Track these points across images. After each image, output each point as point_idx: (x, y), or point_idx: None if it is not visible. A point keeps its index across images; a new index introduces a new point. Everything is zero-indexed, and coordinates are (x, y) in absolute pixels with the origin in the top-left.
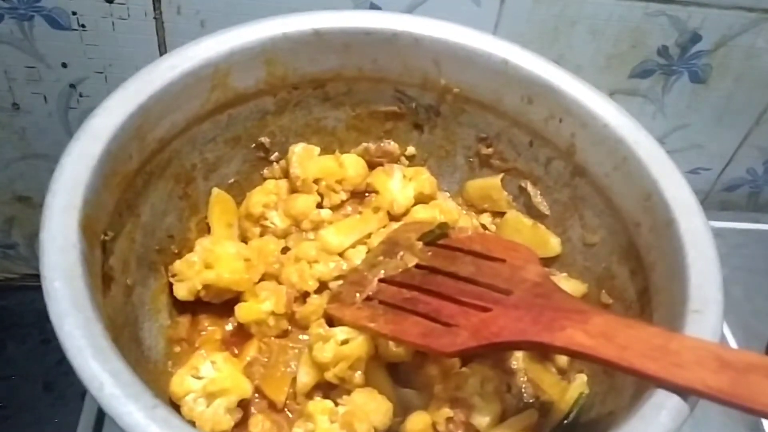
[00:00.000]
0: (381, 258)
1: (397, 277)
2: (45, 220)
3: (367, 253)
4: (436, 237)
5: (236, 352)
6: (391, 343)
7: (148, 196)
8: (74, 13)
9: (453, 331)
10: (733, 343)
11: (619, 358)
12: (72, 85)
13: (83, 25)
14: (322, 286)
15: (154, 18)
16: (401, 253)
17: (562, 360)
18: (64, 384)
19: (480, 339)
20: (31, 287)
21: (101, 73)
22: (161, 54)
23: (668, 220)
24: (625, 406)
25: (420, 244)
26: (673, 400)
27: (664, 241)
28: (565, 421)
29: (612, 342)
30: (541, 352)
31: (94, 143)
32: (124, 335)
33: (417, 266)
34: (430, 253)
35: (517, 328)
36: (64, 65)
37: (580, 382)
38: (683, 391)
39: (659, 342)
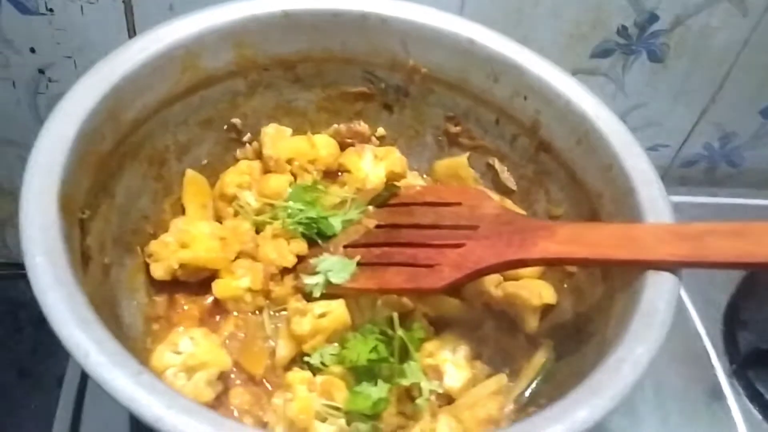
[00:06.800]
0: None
1: (360, 240)
2: (24, 200)
3: None
4: (386, 199)
5: (213, 329)
6: (366, 315)
7: (123, 177)
8: None
9: (436, 270)
10: (692, 309)
11: (593, 254)
12: (41, 71)
13: (51, 9)
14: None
15: (123, 2)
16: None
17: (530, 326)
18: (38, 371)
19: (464, 269)
20: (1, 276)
21: (70, 57)
22: (131, 38)
23: (628, 189)
24: (591, 363)
25: (372, 208)
26: (635, 353)
27: (625, 209)
28: (533, 385)
29: (581, 244)
30: (521, 268)
31: (69, 124)
32: (104, 313)
33: (377, 227)
34: (385, 214)
35: (494, 253)
36: (32, 50)
37: (546, 348)
38: (656, 266)
39: (621, 233)
